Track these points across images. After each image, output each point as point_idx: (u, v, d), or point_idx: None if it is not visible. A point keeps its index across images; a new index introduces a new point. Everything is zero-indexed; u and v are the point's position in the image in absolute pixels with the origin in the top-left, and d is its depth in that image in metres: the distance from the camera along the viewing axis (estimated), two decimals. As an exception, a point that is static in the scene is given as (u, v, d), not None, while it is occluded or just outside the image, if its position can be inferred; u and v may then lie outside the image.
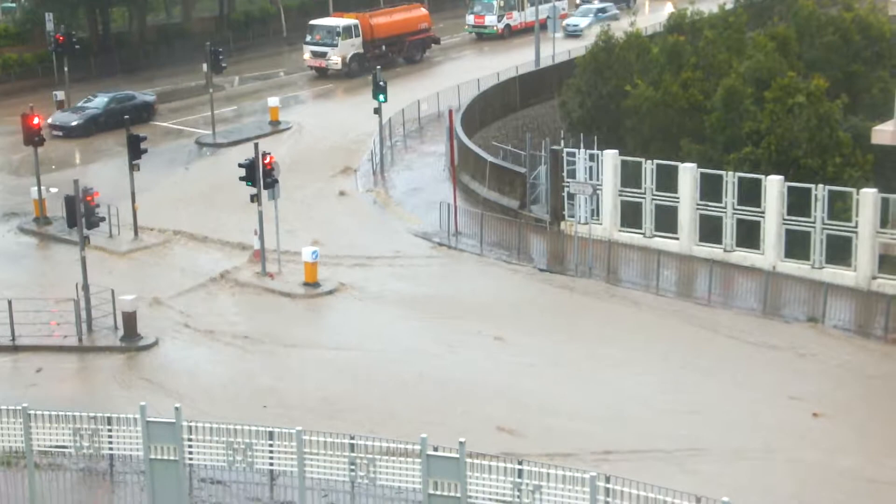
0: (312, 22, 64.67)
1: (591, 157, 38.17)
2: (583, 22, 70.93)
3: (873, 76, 45.88)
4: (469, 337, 31.95)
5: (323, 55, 62.22)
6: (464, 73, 59.55)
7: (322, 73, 62.77)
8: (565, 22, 68.88)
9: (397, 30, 65.39)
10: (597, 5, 74.10)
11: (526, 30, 71.64)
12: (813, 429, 26.86)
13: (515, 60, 60.97)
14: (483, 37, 73.13)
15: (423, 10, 68.13)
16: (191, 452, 20.88)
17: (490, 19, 73.28)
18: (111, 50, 66.27)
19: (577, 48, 58.25)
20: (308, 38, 63.39)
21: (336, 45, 62.14)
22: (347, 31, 62.85)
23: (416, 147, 50.65)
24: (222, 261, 37.80)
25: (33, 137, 39.71)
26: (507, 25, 73.69)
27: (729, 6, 55.07)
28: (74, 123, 52.15)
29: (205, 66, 51.84)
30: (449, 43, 72.18)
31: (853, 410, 27.88)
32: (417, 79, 61.85)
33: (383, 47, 64.42)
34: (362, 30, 63.40)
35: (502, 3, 73.19)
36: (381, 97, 47.12)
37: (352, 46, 62.68)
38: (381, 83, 47.04)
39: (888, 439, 26.55)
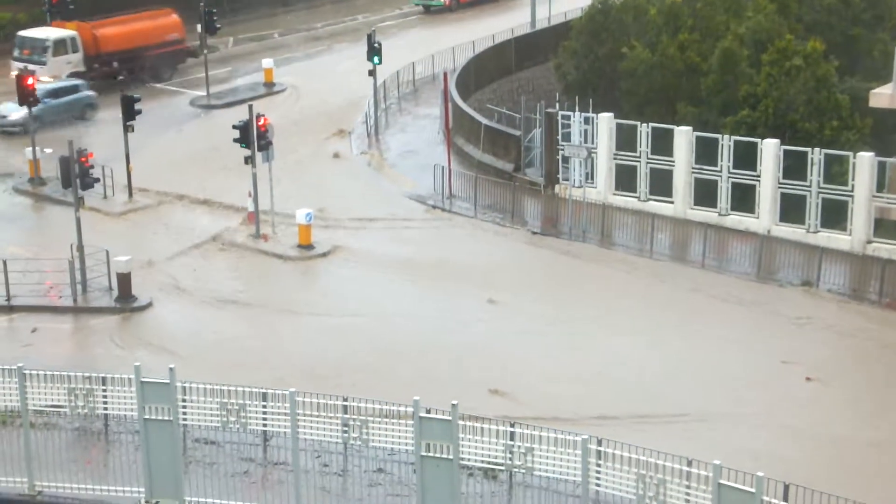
0: (20, 33, 52.90)
1: (587, 120, 38.07)
2: (15, 114, 44.98)
3: (873, 38, 45.66)
4: (462, 300, 31.99)
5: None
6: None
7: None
8: None
9: (135, 42, 52.90)
10: (52, 85, 47.24)
11: (477, 1, 67.19)
12: (806, 393, 26.95)
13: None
14: (430, 10, 66.95)
15: (174, 18, 55.17)
16: (185, 413, 20.95)
17: None
18: (106, 10, 65.74)
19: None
20: (16, 53, 51.49)
21: (45, 63, 49.75)
22: (61, 45, 50.87)
23: (410, 109, 50.46)
24: (216, 222, 37.76)
25: (28, 98, 39.56)
26: None
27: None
28: None
29: (199, 27, 51.54)
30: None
31: (846, 375, 27.99)
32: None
33: (114, 63, 52.58)
34: (83, 43, 51.40)
35: None
36: (376, 59, 46.89)
37: (67, 64, 50.68)
38: (377, 45, 46.81)
39: (881, 403, 26.66)
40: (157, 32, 54.09)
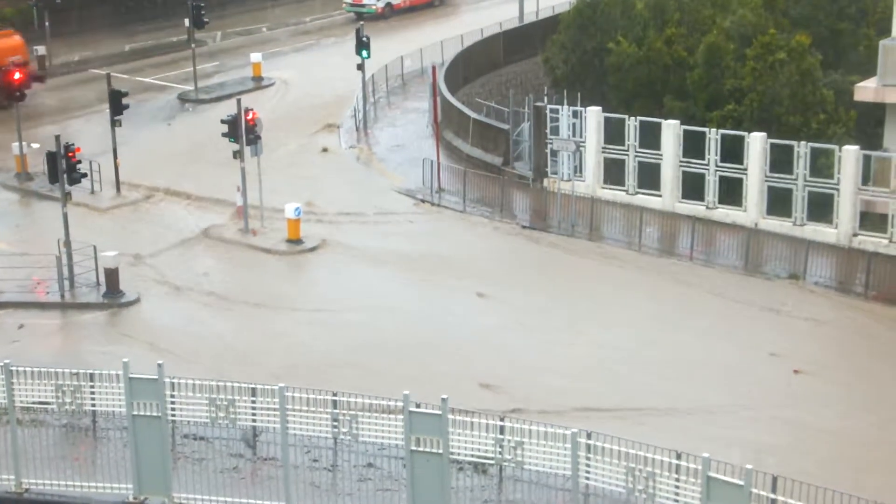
0: None
1: (575, 114, 38.09)
2: None
3: (859, 32, 45.78)
4: (451, 294, 32.00)
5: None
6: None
7: None
8: None
9: None
10: None
11: (411, 8, 64.30)
12: (793, 385, 27.05)
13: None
14: (363, 16, 62.84)
15: (16, 39, 49.84)
16: (173, 409, 20.91)
17: None
18: (93, 4, 65.60)
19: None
20: None
21: None
22: None
23: (399, 103, 50.45)
24: (205, 217, 37.70)
25: (14, 93, 39.40)
26: (388, 4, 63.88)
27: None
28: None
29: (187, 22, 51.43)
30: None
31: (834, 367, 28.09)
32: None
33: None
34: None
35: None
36: (365, 53, 46.84)
37: None
38: (365, 39, 46.75)
39: (869, 395, 26.76)
40: None
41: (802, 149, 34.60)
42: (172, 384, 20.87)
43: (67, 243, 32.02)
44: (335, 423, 20.24)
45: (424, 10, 64.33)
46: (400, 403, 19.72)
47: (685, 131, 36.85)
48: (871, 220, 34.63)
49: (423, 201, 39.10)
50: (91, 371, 21.64)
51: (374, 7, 63.75)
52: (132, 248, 34.60)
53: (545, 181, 39.31)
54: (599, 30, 46.20)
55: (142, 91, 51.19)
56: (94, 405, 21.47)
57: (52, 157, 32.17)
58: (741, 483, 17.65)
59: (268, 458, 22.64)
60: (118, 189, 39.53)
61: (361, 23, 51.53)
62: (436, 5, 63.82)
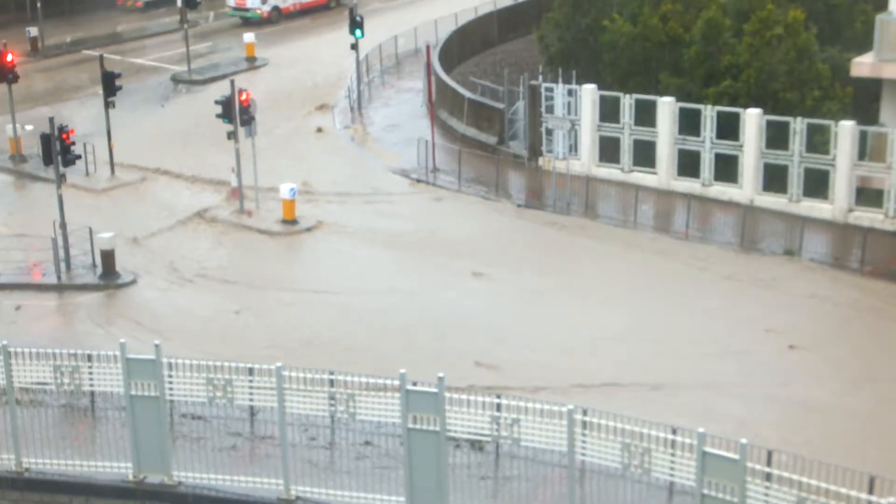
0: None
1: (570, 92, 38.04)
2: None
3: (855, 8, 45.62)
4: (447, 273, 32.03)
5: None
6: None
7: None
8: None
9: None
10: None
11: (302, 12, 60.73)
12: (789, 361, 27.13)
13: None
14: (249, 21, 59.92)
15: None
16: (171, 389, 20.96)
17: (252, 1, 59.75)
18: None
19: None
20: None
21: None
22: None
23: (393, 83, 50.36)
24: (200, 198, 37.69)
25: (7, 74, 39.30)
26: (276, 8, 60.23)
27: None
28: None
29: (179, 2, 51.30)
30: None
31: (829, 343, 28.16)
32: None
33: None
34: None
35: None
36: (358, 33, 46.74)
37: None
38: (358, 18, 46.64)
39: (864, 370, 26.83)
40: None
41: (798, 125, 34.59)
42: (170, 364, 20.91)
43: (63, 225, 32.01)
44: (332, 402, 20.30)
45: (318, 13, 61.27)
46: (396, 382, 19.77)
47: (681, 108, 36.81)
48: (867, 195, 34.65)
49: (418, 181, 39.07)
50: (89, 352, 21.71)
51: (258, 11, 59.80)
52: (128, 229, 34.59)
53: (540, 160, 39.28)
54: (594, 7, 45.98)
55: (135, 72, 51.11)
56: (92, 386, 21.53)
57: (46, 139, 32.12)
58: (736, 457, 17.73)
59: (266, 436, 22.70)
60: (113, 171, 39.48)
61: (355, 2, 51.29)
62: (332, 7, 61.43)
